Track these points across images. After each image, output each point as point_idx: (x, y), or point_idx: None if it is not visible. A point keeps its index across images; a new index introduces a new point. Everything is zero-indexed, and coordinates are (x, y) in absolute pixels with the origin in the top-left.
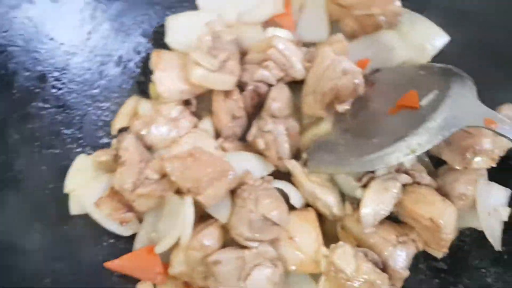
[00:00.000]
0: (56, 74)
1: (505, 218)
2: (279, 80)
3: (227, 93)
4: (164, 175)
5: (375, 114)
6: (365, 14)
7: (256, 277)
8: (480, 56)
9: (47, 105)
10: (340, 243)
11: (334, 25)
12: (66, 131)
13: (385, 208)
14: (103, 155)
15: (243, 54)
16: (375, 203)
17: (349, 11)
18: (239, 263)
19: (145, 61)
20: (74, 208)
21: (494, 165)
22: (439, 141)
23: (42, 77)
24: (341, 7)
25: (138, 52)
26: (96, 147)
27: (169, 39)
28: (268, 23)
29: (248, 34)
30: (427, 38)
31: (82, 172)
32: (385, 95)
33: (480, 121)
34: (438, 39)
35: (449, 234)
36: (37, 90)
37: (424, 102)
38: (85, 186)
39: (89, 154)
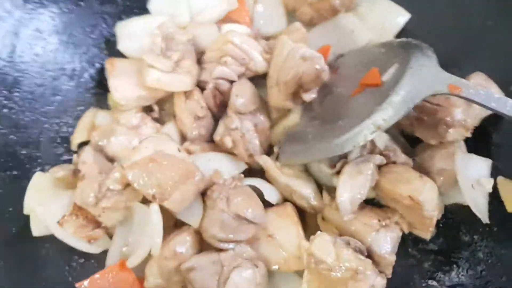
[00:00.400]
0: (5, 93)
1: (489, 190)
2: (241, 75)
3: (187, 94)
4: (127, 185)
5: (341, 98)
6: None
7: (236, 280)
8: (443, 29)
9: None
10: (318, 232)
11: (292, 16)
12: (23, 151)
13: (361, 192)
14: (60, 171)
15: (201, 54)
16: (350, 188)
17: None
18: (216, 268)
19: (100, 72)
20: (36, 229)
21: (469, 135)
22: (404, 113)
23: None
24: None
25: (92, 64)
26: (57, 165)
27: (121, 46)
28: (224, 20)
29: (204, 33)
30: (387, 17)
31: (41, 190)
32: (350, 78)
33: (444, 88)
34: (399, 17)
35: (431, 211)
36: None
37: (386, 77)
38: (45, 205)
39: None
